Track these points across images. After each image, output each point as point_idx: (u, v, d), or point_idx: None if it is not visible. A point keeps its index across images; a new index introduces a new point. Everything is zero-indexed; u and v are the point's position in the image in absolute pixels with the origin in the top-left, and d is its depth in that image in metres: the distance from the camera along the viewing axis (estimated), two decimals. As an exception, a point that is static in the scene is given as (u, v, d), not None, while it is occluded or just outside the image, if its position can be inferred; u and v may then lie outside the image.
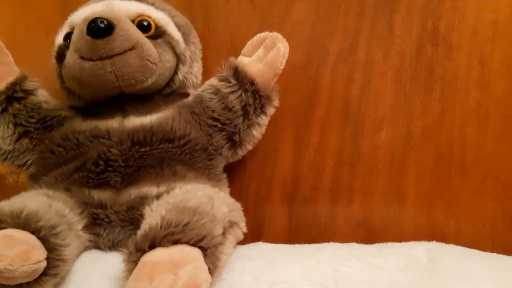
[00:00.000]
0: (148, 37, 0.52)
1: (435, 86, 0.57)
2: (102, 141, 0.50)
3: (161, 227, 0.39)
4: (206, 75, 0.58)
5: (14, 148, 0.53)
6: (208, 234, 0.40)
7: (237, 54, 0.58)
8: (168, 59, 0.53)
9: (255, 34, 0.58)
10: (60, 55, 0.53)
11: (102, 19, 0.47)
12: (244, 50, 0.56)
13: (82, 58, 0.49)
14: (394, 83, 0.58)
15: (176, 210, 0.41)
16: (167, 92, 0.55)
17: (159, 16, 0.54)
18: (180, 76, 0.55)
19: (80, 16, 0.52)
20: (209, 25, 0.61)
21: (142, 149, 0.50)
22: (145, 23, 0.52)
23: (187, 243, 0.39)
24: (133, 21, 0.51)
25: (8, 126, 0.53)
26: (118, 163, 0.50)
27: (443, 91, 0.57)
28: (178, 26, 0.55)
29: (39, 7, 0.64)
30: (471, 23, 0.57)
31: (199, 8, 0.61)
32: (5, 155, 0.54)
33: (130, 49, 0.49)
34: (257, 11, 0.60)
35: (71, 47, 0.50)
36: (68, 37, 0.52)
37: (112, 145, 0.50)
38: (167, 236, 0.39)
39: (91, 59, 0.48)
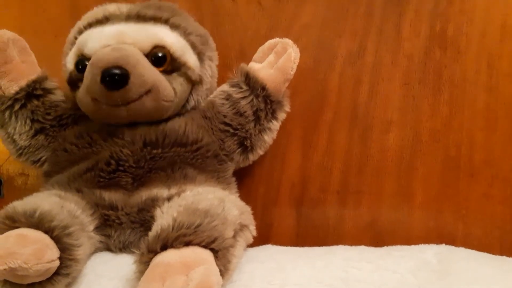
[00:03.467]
0: (163, 71, 0.50)
1: (443, 89, 0.57)
2: (116, 140, 0.51)
3: (173, 228, 0.39)
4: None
5: (30, 144, 0.54)
6: (220, 236, 0.40)
7: (245, 57, 0.58)
8: (184, 89, 0.52)
9: (263, 37, 0.58)
10: (72, 82, 0.52)
11: (116, 71, 0.46)
12: (255, 56, 0.56)
13: (96, 100, 0.49)
14: (402, 86, 0.58)
15: (187, 212, 0.41)
16: (182, 112, 0.54)
17: (175, 44, 0.51)
18: (195, 96, 0.54)
19: (91, 43, 0.50)
20: (217, 28, 0.61)
21: (154, 151, 0.51)
22: (160, 54, 0.50)
23: (199, 245, 0.39)
24: (148, 54, 0.50)
25: (25, 122, 0.53)
26: (129, 163, 0.50)
27: (451, 94, 0.57)
28: (194, 47, 0.53)
29: (48, 9, 0.64)
30: (479, 26, 0.57)
31: (208, 10, 0.61)
32: (21, 151, 0.54)
33: (146, 93, 0.49)
34: (265, 14, 0.60)
35: (84, 86, 0.49)
36: (79, 64, 0.51)
37: (125, 144, 0.50)
38: (179, 237, 0.39)
39: (106, 104, 0.49)
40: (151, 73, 0.49)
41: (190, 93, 0.54)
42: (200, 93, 0.54)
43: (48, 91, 0.54)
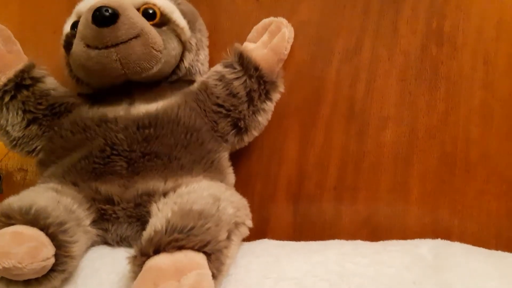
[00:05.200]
0: (153, 25, 0.52)
1: (440, 85, 0.57)
2: (110, 126, 0.51)
3: (166, 231, 0.39)
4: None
5: (24, 134, 0.54)
6: (213, 239, 0.40)
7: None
8: (174, 46, 0.53)
9: (261, 33, 0.58)
10: (68, 44, 0.53)
11: (107, 8, 0.47)
12: (249, 36, 0.56)
13: (88, 46, 0.49)
14: (399, 82, 0.58)
15: (181, 213, 0.41)
16: (173, 79, 0.55)
17: (164, 4, 0.54)
18: (186, 63, 0.55)
19: (86, 4, 0.52)
20: (216, 24, 0.61)
21: (147, 131, 0.51)
22: (150, 11, 0.52)
23: (192, 248, 0.39)
24: (138, 9, 0.52)
25: (17, 113, 0.53)
26: (123, 147, 0.50)
27: (448, 90, 0.57)
28: (184, 14, 0.55)
29: (47, 6, 0.65)
30: (475, 22, 0.57)
31: (206, 6, 0.61)
32: (15, 142, 0.54)
33: (135, 37, 0.49)
34: (263, 10, 0.60)
35: (78, 35, 0.51)
36: (75, 25, 0.53)
37: (118, 130, 0.51)
38: (172, 242, 0.39)
39: (96, 47, 0.49)
40: (141, 19, 0.50)
41: (181, 59, 0.55)
42: (191, 61, 0.55)
43: (37, 80, 0.54)
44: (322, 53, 0.60)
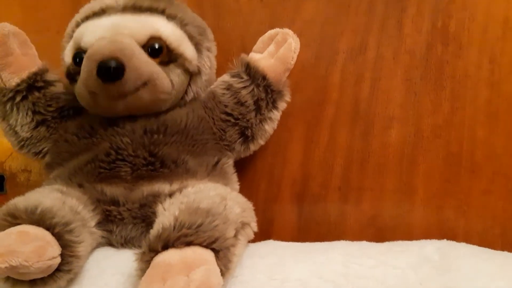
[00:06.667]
0: (160, 62, 0.50)
1: (445, 85, 0.57)
2: (116, 130, 0.51)
3: (174, 228, 0.39)
4: (216, 72, 0.58)
5: (32, 135, 0.54)
6: (221, 236, 0.40)
7: (246, 52, 0.58)
8: (181, 81, 0.52)
9: (265, 33, 0.58)
10: (70, 76, 0.53)
11: (111, 61, 0.46)
12: (255, 47, 0.56)
13: (94, 93, 0.49)
14: (404, 82, 0.58)
15: (189, 211, 0.41)
16: (180, 104, 0.54)
17: (171, 35, 0.51)
18: (193, 88, 0.54)
19: (86, 37, 0.50)
20: (219, 24, 0.61)
21: (155, 136, 0.50)
22: (156, 46, 0.50)
23: (200, 245, 0.39)
24: (144, 46, 0.49)
25: (27, 113, 0.54)
26: (127, 151, 0.50)
27: (453, 89, 0.57)
28: (191, 38, 0.53)
29: (50, 5, 0.65)
30: (481, 21, 0.56)
31: (209, 6, 0.61)
32: (22, 142, 0.55)
33: (142, 85, 0.49)
34: (266, 10, 0.60)
35: (81, 80, 0.49)
36: (76, 57, 0.51)
37: (125, 134, 0.51)
38: (180, 237, 0.39)
39: (103, 96, 0.49)
40: (147, 65, 0.49)
41: (189, 84, 0.54)
42: (199, 84, 0.54)
43: (49, 83, 0.54)
44: (326, 52, 0.60)
